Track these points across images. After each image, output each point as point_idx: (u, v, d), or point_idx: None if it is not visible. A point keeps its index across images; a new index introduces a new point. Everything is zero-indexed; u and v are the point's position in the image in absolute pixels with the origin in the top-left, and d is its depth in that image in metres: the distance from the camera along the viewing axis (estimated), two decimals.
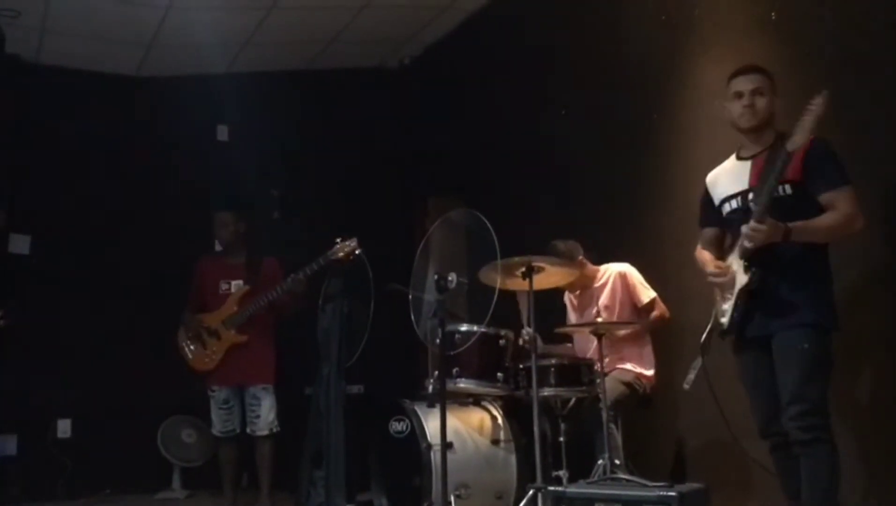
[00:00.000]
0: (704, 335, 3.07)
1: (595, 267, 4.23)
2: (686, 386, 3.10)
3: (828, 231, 2.86)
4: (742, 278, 2.91)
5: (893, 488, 3.13)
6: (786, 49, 3.63)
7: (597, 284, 4.19)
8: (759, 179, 2.95)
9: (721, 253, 3.14)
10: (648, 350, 4.08)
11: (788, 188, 2.90)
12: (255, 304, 4.64)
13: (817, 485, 2.77)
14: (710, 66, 4.01)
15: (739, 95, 3.02)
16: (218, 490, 4.98)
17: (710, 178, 3.21)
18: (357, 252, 4.29)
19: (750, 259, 2.89)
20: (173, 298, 5.06)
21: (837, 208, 2.83)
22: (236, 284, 4.77)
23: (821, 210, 2.86)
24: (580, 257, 4.17)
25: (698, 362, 3.08)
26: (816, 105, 2.66)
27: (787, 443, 2.87)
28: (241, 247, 4.88)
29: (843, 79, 3.38)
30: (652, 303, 4.06)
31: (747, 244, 2.84)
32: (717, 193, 3.15)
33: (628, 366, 4.05)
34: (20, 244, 5.63)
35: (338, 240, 4.34)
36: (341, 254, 4.32)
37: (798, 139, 2.69)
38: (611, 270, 4.17)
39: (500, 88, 5.57)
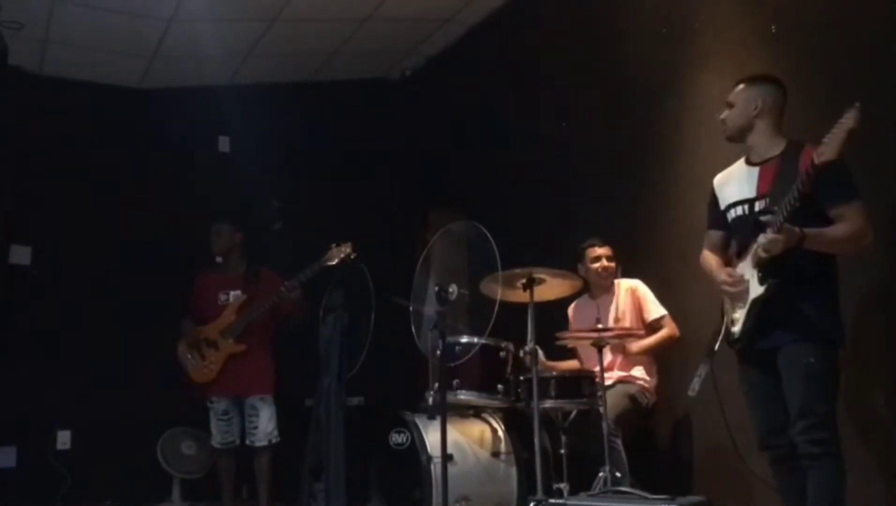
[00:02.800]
0: (717, 344, 3.02)
1: (616, 281, 4.24)
2: (691, 393, 3.06)
3: (841, 242, 2.82)
4: (757, 289, 2.86)
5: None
6: (786, 61, 3.63)
7: (611, 297, 4.20)
8: (771, 186, 2.92)
9: (726, 258, 3.11)
10: (651, 362, 4.08)
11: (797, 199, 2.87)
12: (253, 311, 4.65)
13: (824, 499, 2.75)
14: (711, 79, 4.02)
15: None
16: (217, 502, 4.97)
17: (718, 180, 3.19)
18: (352, 256, 4.31)
19: (765, 269, 2.84)
20: (174, 308, 5.06)
21: (848, 221, 2.80)
22: (234, 295, 4.78)
23: (826, 223, 2.82)
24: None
25: (703, 371, 3.04)
26: (848, 118, 2.59)
27: (787, 456, 2.85)
28: (239, 258, 4.90)
29: (844, 91, 3.38)
30: (661, 320, 4.06)
31: (763, 254, 2.79)
32: (724, 198, 3.13)
33: (635, 373, 4.04)
34: (21, 255, 5.63)
35: (332, 245, 4.36)
36: (336, 260, 4.33)
37: (827, 151, 2.60)
38: (623, 285, 4.19)
39: (500, 101, 5.59)
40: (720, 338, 3.02)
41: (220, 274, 4.93)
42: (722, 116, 3.10)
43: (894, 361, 3.20)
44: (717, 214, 3.17)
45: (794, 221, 2.77)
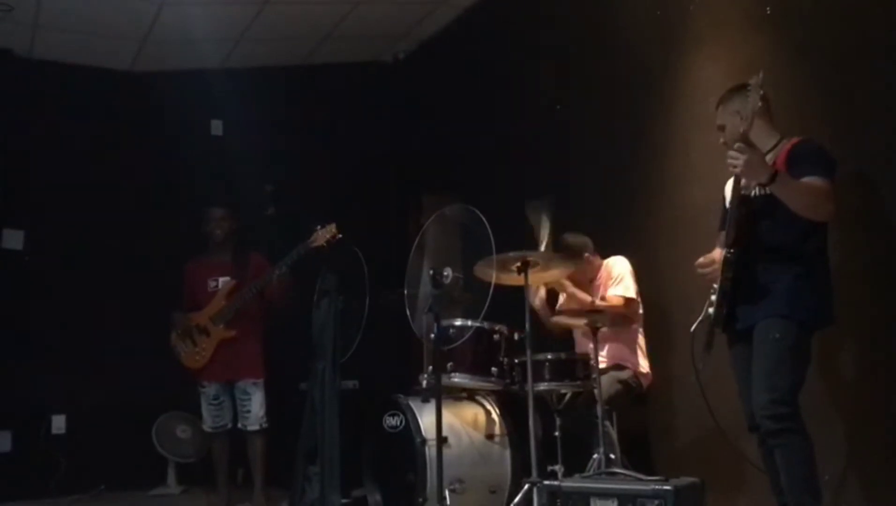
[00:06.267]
0: (694, 326, 3.09)
1: (601, 262, 4.24)
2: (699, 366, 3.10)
3: (802, 192, 2.83)
4: (722, 268, 2.93)
5: (881, 479, 3.15)
6: (781, 45, 3.63)
7: (598, 281, 4.21)
8: None
9: None
10: (642, 346, 4.09)
11: None
12: (242, 297, 4.64)
13: (795, 473, 2.79)
14: (705, 62, 4.01)
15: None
16: (213, 486, 4.98)
17: (727, 184, 3.22)
18: (338, 236, 4.30)
19: (732, 246, 2.91)
20: (167, 293, 5.04)
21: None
22: (224, 281, 4.78)
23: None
24: (587, 254, 4.18)
25: (703, 357, 3.08)
26: (753, 84, 2.79)
27: None
28: (228, 244, 4.89)
29: (838, 75, 3.38)
30: (620, 299, 4.03)
31: (730, 165, 2.84)
32: (727, 197, 3.18)
33: (626, 365, 4.05)
34: (13, 240, 5.61)
35: (317, 227, 4.35)
36: (322, 241, 4.32)
37: (744, 123, 2.83)
38: (606, 265, 4.20)
39: (494, 84, 5.57)
40: (699, 319, 3.07)
41: (209, 260, 4.92)
42: (721, 141, 3.14)
43: (866, 335, 3.23)
44: (723, 215, 3.21)
45: (771, 210, 2.85)
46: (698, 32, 4.11)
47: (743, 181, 2.93)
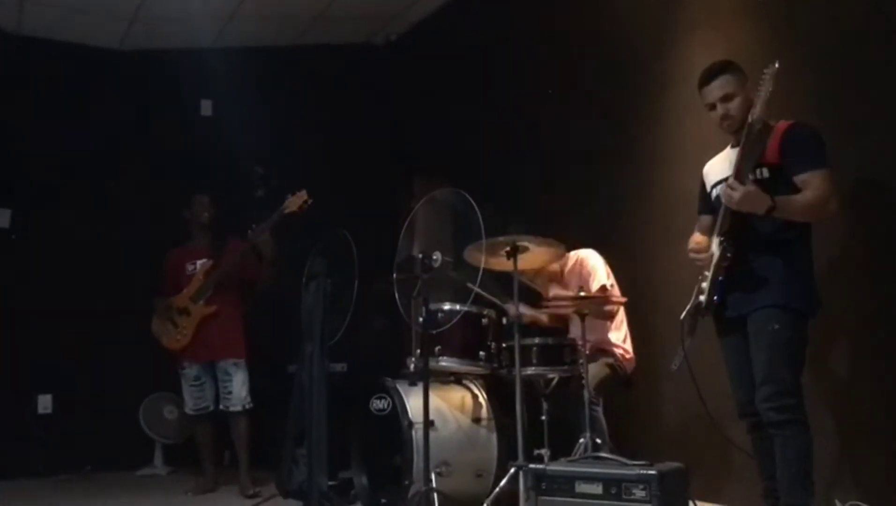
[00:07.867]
0: (684, 313, 3.07)
1: (566, 256, 4.18)
2: (673, 367, 3.10)
3: (805, 209, 2.83)
4: (717, 256, 2.92)
5: (871, 469, 3.17)
6: (775, 32, 3.62)
7: (566, 272, 4.17)
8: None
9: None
10: (625, 331, 4.09)
11: (766, 171, 2.89)
12: (220, 272, 4.63)
13: (791, 465, 2.79)
14: (698, 49, 3.99)
15: (712, 107, 3.02)
16: (200, 467, 4.98)
17: (707, 165, 3.22)
18: (309, 202, 4.36)
19: (726, 235, 2.90)
20: (155, 273, 5.02)
21: (812, 188, 2.82)
22: (201, 263, 4.78)
23: (797, 193, 2.85)
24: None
25: (686, 344, 3.08)
26: (769, 74, 2.73)
27: (763, 424, 2.89)
28: (208, 230, 4.88)
29: (832, 61, 3.38)
30: (601, 291, 3.99)
31: (725, 201, 2.83)
32: (709, 180, 3.17)
33: (611, 349, 4.05)
34: (0, 218, 5.58)
35: (288, 195, 4.39)
36: (295, 207, 4.37)
37: (757, 110, 2.76)
38: (576, 257, 4.14)
39: (486, 68, 5.54)
40: (688, 307, 3.05)
41: (187, 248, 4.91)
42: (723, 112, 2.99)
43: (856, 325, 3.25)
44: (705, 198, 3.21)
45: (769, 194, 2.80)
46: (692, 18, 4.09)
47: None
